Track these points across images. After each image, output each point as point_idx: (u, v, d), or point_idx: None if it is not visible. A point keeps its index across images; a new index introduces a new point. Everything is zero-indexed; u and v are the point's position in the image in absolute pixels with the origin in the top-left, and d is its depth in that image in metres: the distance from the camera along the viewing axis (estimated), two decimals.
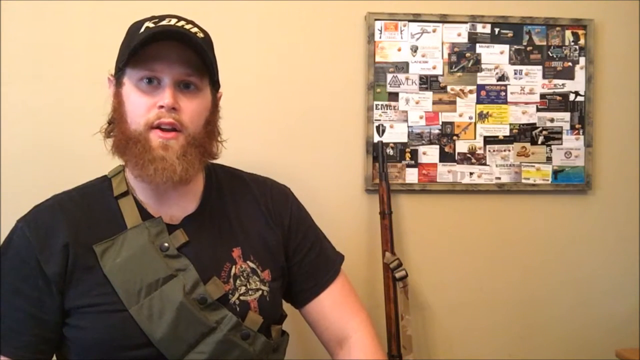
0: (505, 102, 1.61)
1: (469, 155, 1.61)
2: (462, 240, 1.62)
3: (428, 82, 1.59)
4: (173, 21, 0.96)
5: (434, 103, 1.59)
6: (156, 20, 0.97)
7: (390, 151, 1.58)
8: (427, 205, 1.60)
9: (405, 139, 1.59)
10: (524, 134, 1.62)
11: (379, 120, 1.58)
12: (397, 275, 1.47)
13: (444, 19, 1.59)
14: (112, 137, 0.99)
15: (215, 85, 1.03)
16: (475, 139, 1.61)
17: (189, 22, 0.99)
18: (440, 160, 1.60)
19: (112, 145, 0.99)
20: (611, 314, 1.67)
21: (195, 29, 0.97)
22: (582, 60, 1.63)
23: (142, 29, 0.95)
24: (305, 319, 1.15)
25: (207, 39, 1.01)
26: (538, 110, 1.62)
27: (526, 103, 1.62)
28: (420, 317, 1.61)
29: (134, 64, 0.95)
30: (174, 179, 0.93)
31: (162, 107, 0.93)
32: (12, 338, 0.93)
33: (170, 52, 0.94)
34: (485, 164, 1.61)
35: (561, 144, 1.63)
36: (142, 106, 0.94)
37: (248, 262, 1.03)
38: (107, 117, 1.02)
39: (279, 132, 1.55)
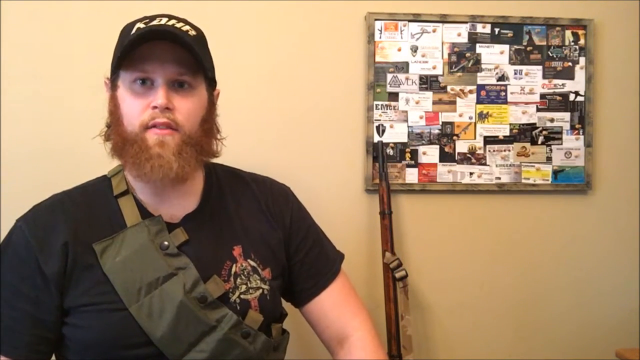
0: (505, 102, 1.61)
1: (469, 155, 1.60)
2: (462, 240, 1.62)
3: (428, 82, 1.59)
4: (164, 20, 0.96)
5: (434, 103, 1.59)
6: (147, 20, 0.97)
7: (390, 151, 1.58)
8: (427, 205, 1.60)
9: (405, 139, 1.59)
10: (524, 134, 1.62)
11: (379, 120, 1.58)
12: (397, 275, 1.47)
13: (444, 19, 1.59)
14: (111, 140, 0.99)
15: (211, 83, 1.03)
16: (475, 139, 1.61)
17: (180, 20, 0.98)
18: (440, 160, 1.60)
19: (111, 148, 0.99)
20: (611, 314, 1.67)
21: (186, 27, 0.97)
22: (582, 60, 1.63)
23: (134, 30, 0.95)
24: (305, 319, 1.15)
25: (200, 37, 1.00)
26: (538, 110, 1.62)
27: (526, 103, 1.62)
28: (420, 317, 1.61)
29: (126, 66, 0.95)
30: (170, 176, 0.93)
31: (155, 107, 0.93)
32: (10, 337, 0.93)
33: (162, 52, 0.94)
34: (485, 164, 1.61)
35: (561, 144, 1.63)
36: (136, 108, 0.94)
37: (249, 260, 1.03)
38: (105, 121, 1.02)
39: (279, 132, 1.55)
